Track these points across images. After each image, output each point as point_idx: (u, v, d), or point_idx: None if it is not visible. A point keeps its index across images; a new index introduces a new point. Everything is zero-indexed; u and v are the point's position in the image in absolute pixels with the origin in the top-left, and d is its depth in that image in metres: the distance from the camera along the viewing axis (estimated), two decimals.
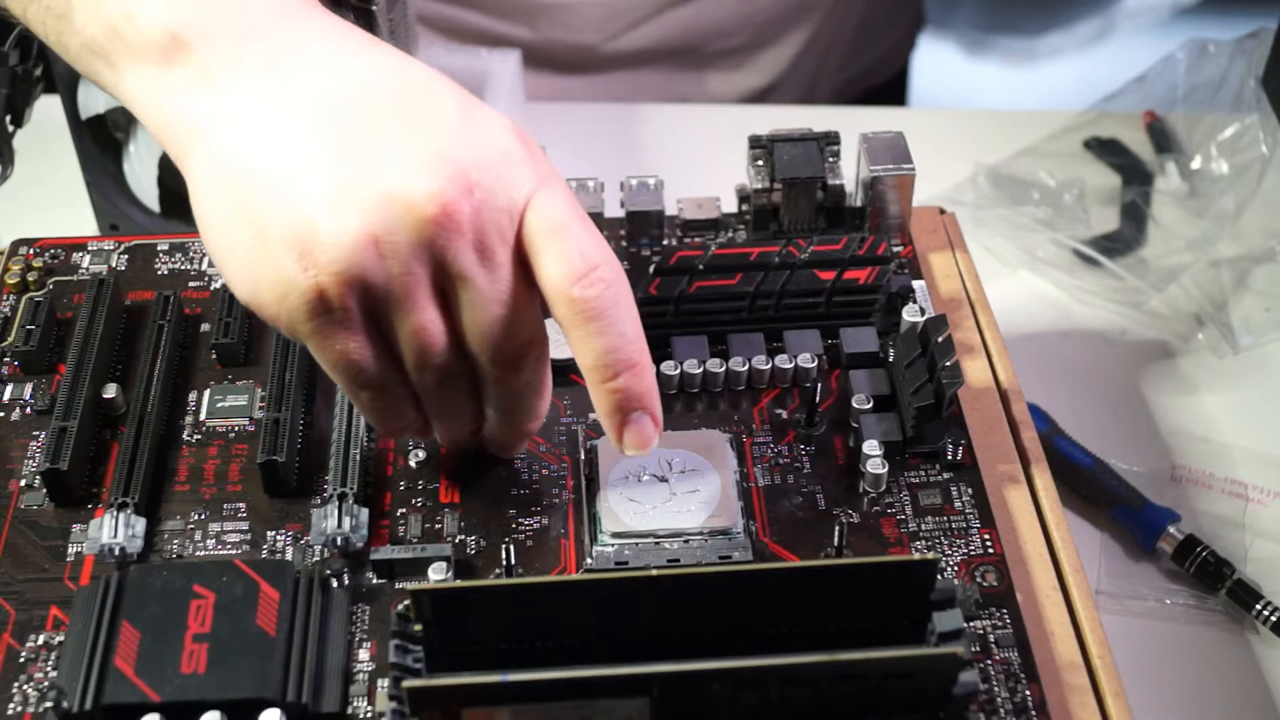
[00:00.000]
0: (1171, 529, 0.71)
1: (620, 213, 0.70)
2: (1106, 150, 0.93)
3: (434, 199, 0.49)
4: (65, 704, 0.49)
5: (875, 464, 0.58)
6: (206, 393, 0.63)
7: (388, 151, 0.50)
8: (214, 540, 0.57)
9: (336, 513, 0.56)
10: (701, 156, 0.94)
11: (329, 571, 0.55)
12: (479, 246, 0.51)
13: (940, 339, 0.60)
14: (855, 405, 0.60)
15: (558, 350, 0.63)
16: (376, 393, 0.54)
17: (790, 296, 0.64)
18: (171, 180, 0.78)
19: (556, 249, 0.51)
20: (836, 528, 0.56)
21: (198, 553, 0.57)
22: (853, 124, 0.74)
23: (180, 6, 0.52)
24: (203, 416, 0.62)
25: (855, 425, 0.60)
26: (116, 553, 0.56)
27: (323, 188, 0.50)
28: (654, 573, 0.49)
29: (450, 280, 0.51)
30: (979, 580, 0.55)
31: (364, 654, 0.53)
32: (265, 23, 0.53)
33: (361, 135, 0.51)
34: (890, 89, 1.20)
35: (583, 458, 0.60)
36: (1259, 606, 0.68)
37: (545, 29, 1.02)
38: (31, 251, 0.69)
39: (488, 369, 0.53)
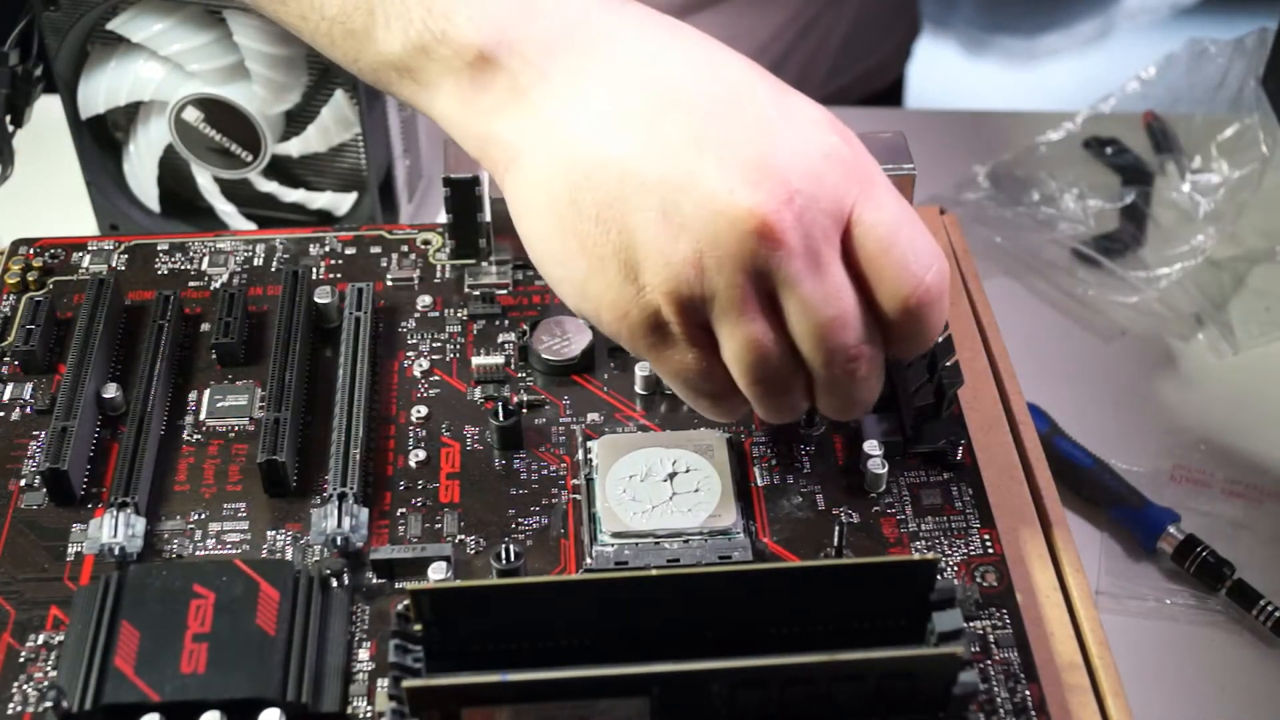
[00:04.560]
0: (1171, 529, 0.71)
1: None
2: (1106, 150, 0.93)
3: (755, 214, 0.49)
4: (65, 704, 0.49)
5: (875, 464, 0.58)
6: (206, 393, 0.63)
7: (705, 164, 0.50)
8: (214, 540, 0.57)
9: (336, 513, 0.56)
10: None
11: (329, 571, 0.55)
12: (803, 254, 0.50)
13: (940, 339, 0.60)
14: None
15: (561, 348, 0.63)
16: (713, 400, 0.55)
17: None
18: (171, 180, 0.78)
19: (891, 262, 0.51)
20: (836, 528, 0.56)
21: (198, 553, 0.57)
22: (853, 124, 0.73)
23: (488, 25, 0.52)
24: (203, 416, 0.62)
25: (855, 425, 0.60)
26: (116, 553, 0.55)
27: (646, 209, 0.50)
28: (654, 573, 0.49)
29: (777, 286, 0.51)
30: (979, 580, 0.55)
31: (364, 654, 0.53)
32: (570, 29, 0.53)
33: (678, 147, 0.50)
34: (884, 98, 1.20)
35: (582, 458, 0.60)
36: (1259, 606, 0.68)
37: None
38: (31, 251, 0.69)
39: (821, 372, 0.53)
